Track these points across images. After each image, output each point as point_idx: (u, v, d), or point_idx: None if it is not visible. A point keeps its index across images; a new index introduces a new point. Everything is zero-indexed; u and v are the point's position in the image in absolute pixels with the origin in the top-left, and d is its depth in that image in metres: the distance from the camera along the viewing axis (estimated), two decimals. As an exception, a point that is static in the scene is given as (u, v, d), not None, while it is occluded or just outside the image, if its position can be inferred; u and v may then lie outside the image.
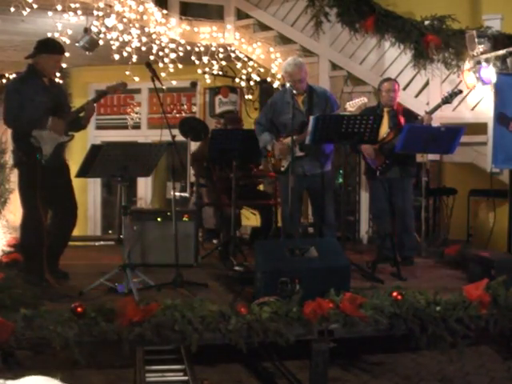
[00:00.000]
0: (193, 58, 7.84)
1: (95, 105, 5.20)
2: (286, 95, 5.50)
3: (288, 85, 5.35)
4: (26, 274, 4.80)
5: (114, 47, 7.20)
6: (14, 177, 9.72)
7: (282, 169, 5.56)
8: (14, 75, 5.25)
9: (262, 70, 8.37)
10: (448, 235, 7.28)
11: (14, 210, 9.74)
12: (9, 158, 9.71)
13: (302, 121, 5.42)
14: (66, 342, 3.46)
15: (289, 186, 5.20)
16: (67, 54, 5.31)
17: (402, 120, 5.92)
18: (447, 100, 5.90)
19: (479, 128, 6.61)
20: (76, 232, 5.79)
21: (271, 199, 6.91)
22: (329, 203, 5.63)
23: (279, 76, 7.96)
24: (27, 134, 4.81)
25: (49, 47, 5.03)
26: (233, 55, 8.23)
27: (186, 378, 3.60)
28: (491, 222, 6.66)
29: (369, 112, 5.80)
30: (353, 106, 5.42)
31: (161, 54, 7.68)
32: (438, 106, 5.93)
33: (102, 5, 6.87)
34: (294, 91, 5.31)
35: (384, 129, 5.78)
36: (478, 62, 6.31)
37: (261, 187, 7.78)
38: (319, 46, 7.84)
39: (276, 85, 8.05)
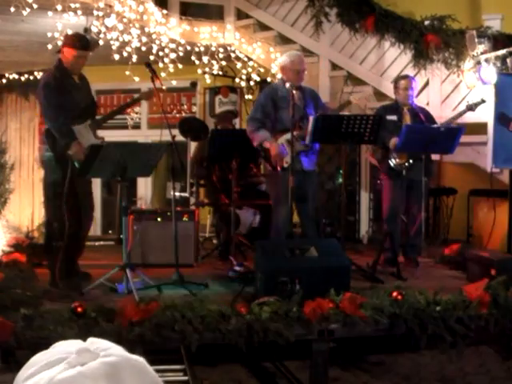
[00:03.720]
0: (193, 57, 7.83)
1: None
2: (280, 90, 5.43)
3: (288, 85, 5.26)
4: (51, 275, 4.79)
5: (114, 47, 7.19)
6: (13, 177, 9.72)
7: (285, 165, 5.33)
8: (42, 74, 5.16)
9: (262, 69, 8.36)
10: (448, 235, 7.28)
11: (14, 210, 9.76)
12: (9, 158, 9.71)
13: (301, 115, 5.38)
14: (66, 342, 3.45)
15: (289, 184, 5.05)
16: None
17: (424, 118, 5.85)
18: (471, 108, 5.78)
19: (479, 128, 6.60)
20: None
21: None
22: (313, 200, 5.56)
23: (279, 76, 7.94)
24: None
25: (69, 41, 4.90)
26: (233, 55, 8.22)
27: (186, 378, 3.58)
28: (491, 222, 6.66)
29: (386, 110, 5.75)
30: (356, 97, 5.35)
31: (161, 53, 7.67)
32: (464, 112, 5.82)
33: (102, 5, 6.86)
34: (287, 84, 5.22)
35: None
36: (478, 62, 6.31)
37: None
38: (319, 45, 7.83)
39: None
